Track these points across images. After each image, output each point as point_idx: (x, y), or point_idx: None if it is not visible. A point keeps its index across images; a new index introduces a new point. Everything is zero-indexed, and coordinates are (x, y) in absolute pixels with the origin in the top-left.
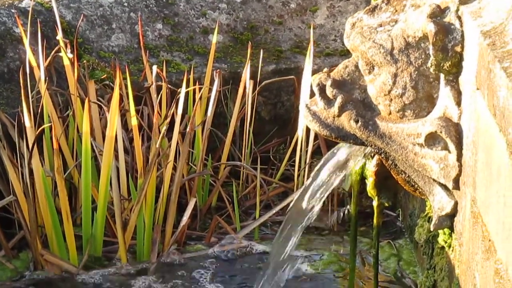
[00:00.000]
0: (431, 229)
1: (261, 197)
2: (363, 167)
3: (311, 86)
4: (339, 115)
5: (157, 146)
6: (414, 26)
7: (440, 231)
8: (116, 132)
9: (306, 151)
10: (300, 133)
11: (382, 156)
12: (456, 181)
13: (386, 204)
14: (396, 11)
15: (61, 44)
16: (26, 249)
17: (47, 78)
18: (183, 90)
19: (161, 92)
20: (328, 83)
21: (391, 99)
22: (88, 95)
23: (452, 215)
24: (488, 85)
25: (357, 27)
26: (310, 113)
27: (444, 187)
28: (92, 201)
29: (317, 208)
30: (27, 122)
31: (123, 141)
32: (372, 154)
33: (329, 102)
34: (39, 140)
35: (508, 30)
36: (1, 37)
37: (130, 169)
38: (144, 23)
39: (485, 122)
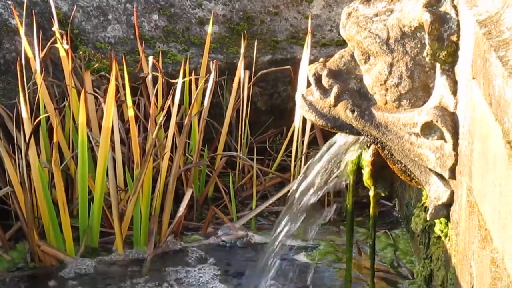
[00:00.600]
0: (428, 219)
1: (257, 187)
2: (359, 157)
3: (307, 76)
4: (335, 105)
5: (154, 137)
6: (410, 16)
7: (437, 221)
8: (112, 123)
9: (303, 142)
10: (297, 123)
11: (378, 146)
12: (452, 170)
13: (383, 194)
14: (392, 0)
15: (57, 35)
16: (23, 240)
17: (43, 70)
18: (179, 81)
19: (157, 83)
20: (324, 73)
21: (387, 89)
22: (84, 86)
23: (448, 204)
24: (484, 74)
25: (353, 17)
26: (306, 103)
27: (440, 176)
28: (89, 192)
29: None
30: (24, 113)
31: (120, 132)
32: (368, 144)
33: (325, 92)
34: (35, 131)
35: (503, 19)
36: None
37: (126, 160)
38: (140, 14)
39: (481, 112)
